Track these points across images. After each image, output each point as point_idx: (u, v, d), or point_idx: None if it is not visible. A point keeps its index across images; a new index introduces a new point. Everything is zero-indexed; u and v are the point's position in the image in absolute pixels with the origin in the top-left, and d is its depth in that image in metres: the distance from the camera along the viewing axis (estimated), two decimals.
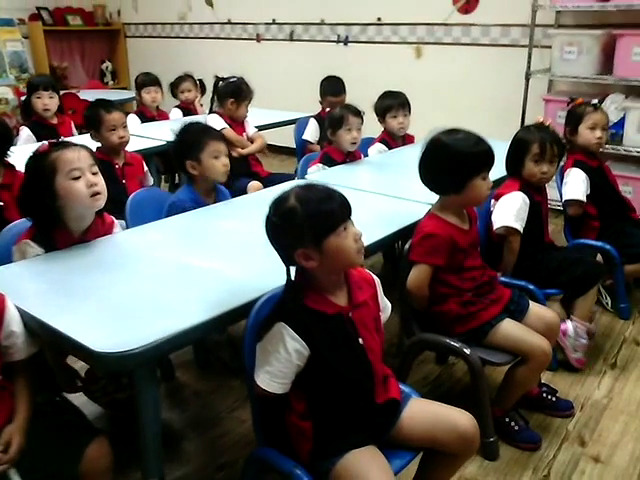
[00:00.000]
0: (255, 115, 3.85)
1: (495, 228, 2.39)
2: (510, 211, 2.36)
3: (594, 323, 2.73)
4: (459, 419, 1.51)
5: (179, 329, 1.38)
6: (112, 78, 7.57)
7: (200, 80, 4.65)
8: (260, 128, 3.81)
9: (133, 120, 4.11)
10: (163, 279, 1.68)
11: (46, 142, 1.85)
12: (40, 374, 1.66)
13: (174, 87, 4.46)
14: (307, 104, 4.30)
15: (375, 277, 1.57)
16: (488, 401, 1.97)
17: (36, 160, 1.81)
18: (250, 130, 3.69)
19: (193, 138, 2.38)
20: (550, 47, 4.26)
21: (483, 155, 1.91)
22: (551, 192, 2.62)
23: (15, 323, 1.46)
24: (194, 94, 4.45)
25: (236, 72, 3.68)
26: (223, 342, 2.58)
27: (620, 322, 2.88)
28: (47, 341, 1.56)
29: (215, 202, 2.40)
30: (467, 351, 1.91)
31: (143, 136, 3.52)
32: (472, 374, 1.95)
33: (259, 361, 1.42)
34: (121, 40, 7.53)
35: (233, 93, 3.54)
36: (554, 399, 2.24)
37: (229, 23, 6.45)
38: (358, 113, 3.04)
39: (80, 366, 1.94)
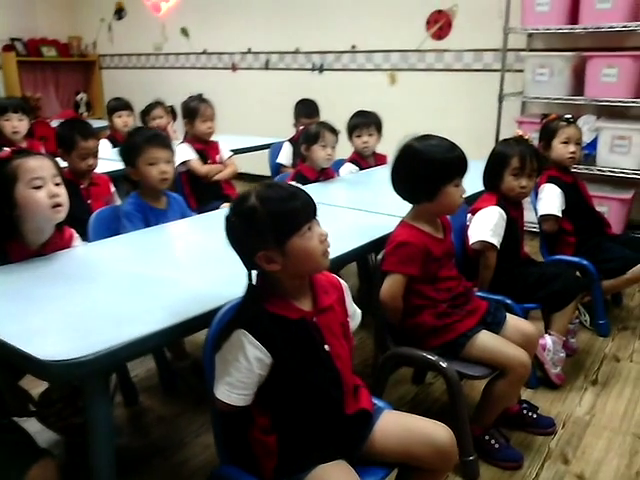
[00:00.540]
0: (230, 141, 3.80)
1: (471, 243, 2.33)
2: (487, 226, 2.31)
3: (575, 339, 2.68)
4: (435, 431, 1.42)
5: (133, 337, 1.29)
6: (87, 109, 7.50)
7: (171, 106, 4.62)
8: (235, 152, 3.75)
9: (105, 146, 4.02)
10: (122, 290, 1.59)
11: (8, 149, 1.76)
12: None
13: (145, 114, 4.40)
14: (283, 132, 4.26)
15: (342, 281, 1.49)
16: (467, 417, 1.88)
17: None
18: (225, 154, 3.62)
19: (133, 143, 2.37)
20: (522, 71, 4.32)
21: (456, 161, 1.86)
22: (527, 213, 2.59)
23: None
24: (165, 120, 4.39)
25: (212, 101, 3.63)
26: (188, 366, 2.47)
27: (599, 339, 2.82)
28: None
29: (167, 207, 2.37)
30: (443, 364, 1.83)
31: (113, 159, 3.43)
32: (449, 389, 1.86)
33: (218, 372, 1.33)
34: (96, 71, 7.50)
35: (184, 113, 3.55)
36: (535, 416, 2.15)
37: (205, 53, 6.46)
38: (334, 131, 3.02)
39: (35, 392, 1.82)
